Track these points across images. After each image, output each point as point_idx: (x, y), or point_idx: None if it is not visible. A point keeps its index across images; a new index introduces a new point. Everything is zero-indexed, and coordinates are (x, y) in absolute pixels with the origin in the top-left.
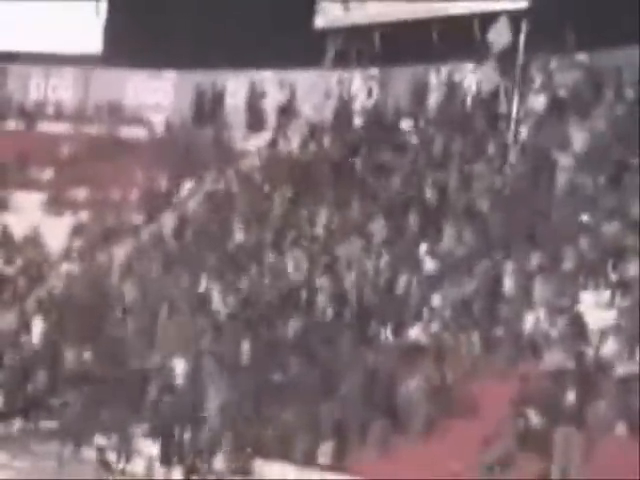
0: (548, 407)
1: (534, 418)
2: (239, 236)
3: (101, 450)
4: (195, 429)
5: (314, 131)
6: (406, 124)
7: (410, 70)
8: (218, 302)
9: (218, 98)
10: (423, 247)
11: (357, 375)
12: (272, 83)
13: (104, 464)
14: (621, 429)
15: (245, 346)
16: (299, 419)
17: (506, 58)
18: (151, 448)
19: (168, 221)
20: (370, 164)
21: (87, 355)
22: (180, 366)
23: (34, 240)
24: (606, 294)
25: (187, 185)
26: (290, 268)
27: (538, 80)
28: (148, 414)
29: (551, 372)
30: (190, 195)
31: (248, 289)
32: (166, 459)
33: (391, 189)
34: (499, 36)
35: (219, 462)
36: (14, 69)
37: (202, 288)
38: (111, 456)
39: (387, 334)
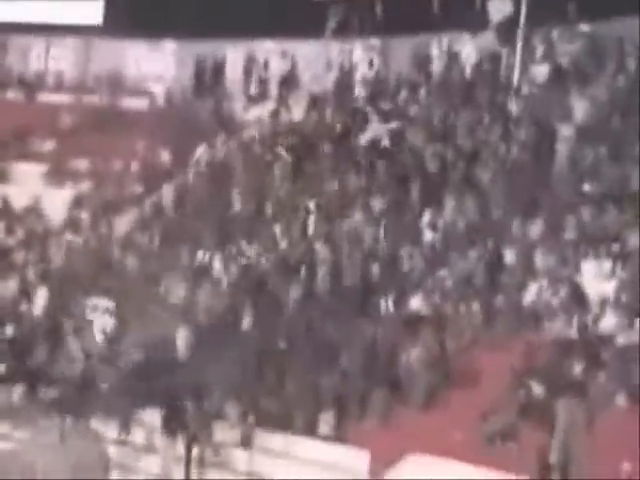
0: (550, 378)
1: (536, 389)
2: (238, 206)
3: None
4: (197, 399)
5: (315, 102)
6: (408, 94)
7: (411, 40)
8: (219, 271)
9: (219, 69)
10: (425, 218)
11: (358, 345)
12: (273, 54)
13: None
14: (621, 400)
15: (246, 315)
16: (300, 389)
17: (507, 28)
18: (152, 418)
19: (168, 192)
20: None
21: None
22: (182, 336)
23: (35, 211)
24: (607, 265)
25: (188, 156)
26: (290, 238)
27: (540, 50)
28: (149, 385)
29: (553, 342)
30: (191, 166)
31: (248, 259)
32: (168, 429)
33: (392, 160)
34: (500, 7)
35: (220, 432)
36: (14, 40)
37: (203, 258)
38: (112, 427)
39: (388, 305)
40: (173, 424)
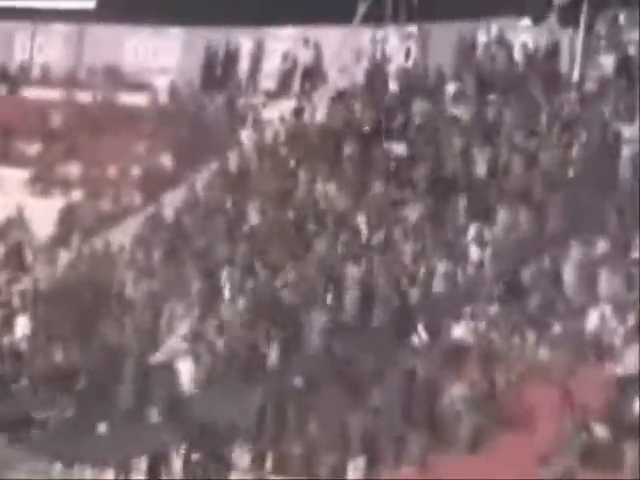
0: (615, 418)
1: (599, 431)
2: (256, 219)
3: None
4: (206, 442)
5: (344, 97)
6: (451, 89)
7: (454, 27)
8: (231, 295)
9: (231, 59)
10: (470, 233)
11: (391, 381)
12: (294, 42)
13: None
14: None
15: (263, 346)
16: (325, 430)
17: (568, 13)
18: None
19: (174, 202)
20: (409, 136)
21: (79, 356)
22: (186, 368)
23: (18, 224)
24: None
25: (195, 160)
26: (315, 255)
27: (604, 38)
28: (153, 425)
29: (618, 378)
30: (199, 171)
31: (266, 280)
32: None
33: (433, 165)
34: None
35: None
36: None
37: (213, 279)
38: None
39: (425, 333)
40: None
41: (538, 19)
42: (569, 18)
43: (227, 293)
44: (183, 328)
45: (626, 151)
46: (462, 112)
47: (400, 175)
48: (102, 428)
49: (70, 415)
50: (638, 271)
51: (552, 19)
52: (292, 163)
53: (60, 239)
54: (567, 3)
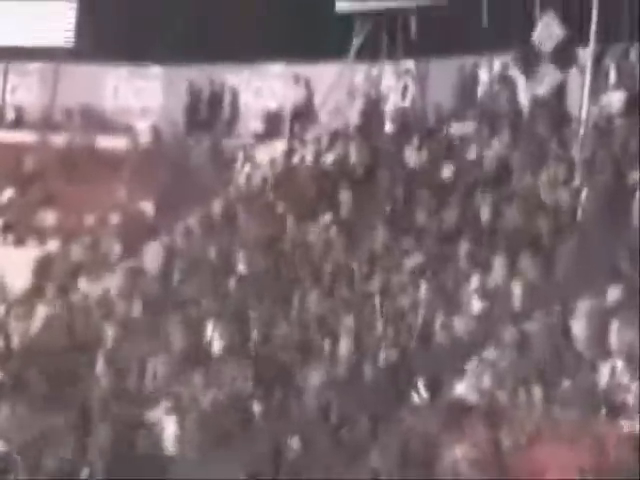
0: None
1: None
2: (243, 269)
3: None
4: None
5: (336, 139)
6: (452, 130)
7: (454, 62)
8: (218, 349)
9: (217, 99)
10: (473, 283)
11: (389, 441)
12: (284, 79)
13: None
14: None
15: (253, 404)
16: None
17: (563, 54)
18: None
19: (155, 252)
20: (406, 179)
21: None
22: (171, 431)
23: None
24: None
25: (179, 207)
26: (308, 306)
27: (613, 73)
28: None
29: (632, 437)
30: (182, 218)
31: (255, 335)
32: None
33: (432, 210)
34: (547, 36)
35: None
36: None
37: (198, 333)
38: None
39: (424, 390)
40: None
41: (527, 72)
42: (567, 58)
43: (214, 348)
44: (168, 385)
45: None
46: (461, 152)
47: (399, 221)
48: None
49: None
50: None
51: (545, 67)
52: (281, 208)
53: (35, 292)
54: (558, 46)
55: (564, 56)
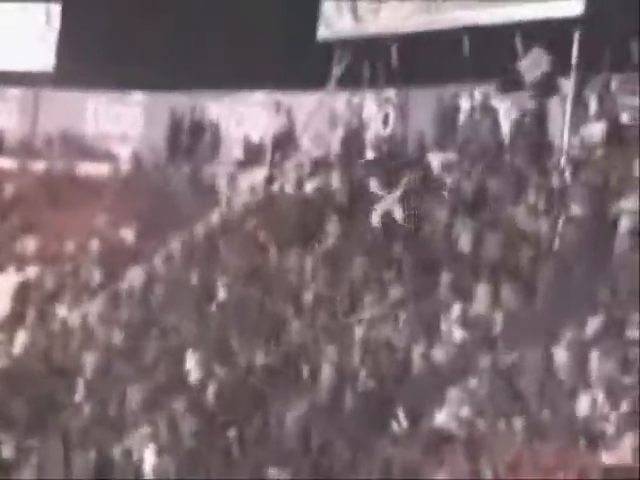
0: None
1: None
2: (223, 296)
3: None
4: None
5: (317, 167)
6: (433, 159)
7: (435, 92)
8: (198, 378)
9: (198, 126)
10: (453, 312)
11: (369, 471)
12: (265, 107)
13: None
14: None
15: (232, 435)
16: None
17: (545, 84)
18: None
19: (136, 279)
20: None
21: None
22: (150, 459)
23: None
24: None
25: (160, 235)
26: (289, 335)
27: (594, 104)
28: None
29: (612, 469)
30: (163, 246)
31: (236, 362)
32: None
33: (412, 240)
34: (533, 67)
35: None
36: None
37: (178, 360)
38: None
39: (404, 420)
40: None
41: (510, 93)
42: (549, 87)
43: (194, 376)
44: (147, 413)
45: (624, 223)
46: (445, 183)
47: (381, 251)
48: None
49: None
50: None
51: (525, 94)
52: (262, 237)
53: (15, 318)
54: (542, 77)
55: (546, 85)
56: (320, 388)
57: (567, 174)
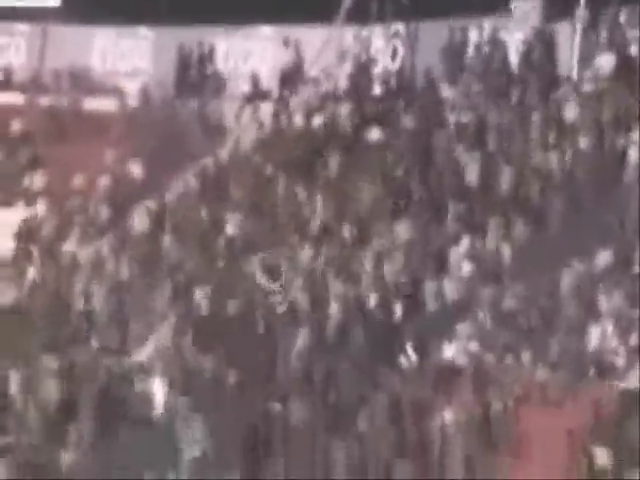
0: (618, 443)
1: (601, 457)
2: (233, 231)
3: None
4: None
5: (325, 101)
6: (442, 93)
7: (444, 25)
8: (207, 311)
9: (206, 61)
10: (462, 246)
11: (377, 405)
12: (273, 42)
13: None
14: None
15: (235, 369)
16: (305, 459)
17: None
18: None
19: (144, 213)
20: (394, 142)
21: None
22: (160, 392)
23: None
24: None
25: (168, 169)
26: (296, 269)
27: (603, 36)
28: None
29: (622, 399)
30: (171, 181)
31: (243, 294)
32: None
33: (421, 173)
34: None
35: None
36: None
37: (186, 294)
38: None
39: (414, 354)
40: None
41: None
42: (560, 11)
43: (202, 309)
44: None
45: (632, 155)
46: (453, 117)
47: (388, 184)
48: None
49: (33, 441)
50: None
51: (534, 13)
52: (270, 170)
53: (23, 253)
54: None
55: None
56: (328, 322)
57: (576, 107)
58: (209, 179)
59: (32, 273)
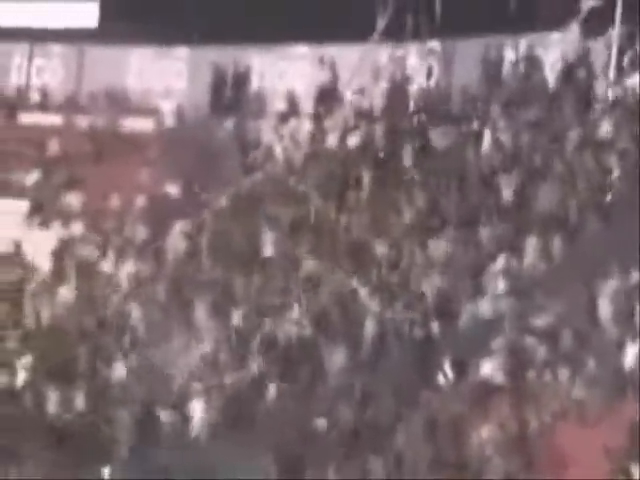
0: None
1: (638, 474)
2: (269, 250)
3: None
4: None
5: (361, 120)
6: (475, 109)
7: (480, 43)
8: (243, 331)
9: (241, 80)
10: (498, 264)
11: (415, 423)
12: (308, 60)
13: None
14: None
15: (276, 386)
16: (343, 476)
17: (595, 22)
18: None
19: (180, 234)
20: (430, 160)
21: (78, 400)
22: (198, 411)
23: (15, 258)
24: None
25: (204, 189)
26: (331, 286)
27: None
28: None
29: None
30: (207, 200)
31: (280, 314)
32: None
33: (458, 192)
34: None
35: None
36: None
37: (224, 314)
38: None
39: (451, 371)
40: None
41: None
42: (597, 28)
43: (239, 329)
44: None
45: None
46: (489, 135)
47: (423, 203)
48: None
49: (70, 460)
50: None
51: (576, 28)
52: (304, 189)
53: (60, 274)
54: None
55: (594, 25)
56: (364, 340)
57: (611, 124)
58: (244, 198)
59: (69, 292)
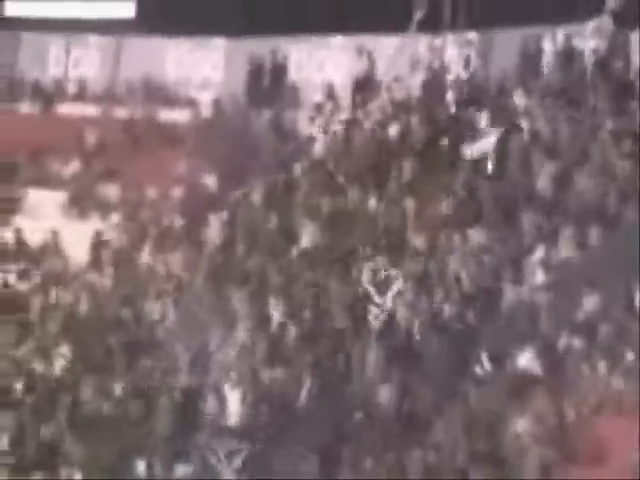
0: None
1: None
2: (306, 241)
3: None
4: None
5: (398, 110)
6: (516, 100)
7: (518, 33)
8: (281, 324)
9: (279, 71)
10: (536, 255)
11: (453, 414)
12: (346, 51)
13: None
14: None
15: (312, 378)
16: (382, 468)
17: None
18: None
19: (217, 224)
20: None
21: (116, 390)
22: (234, 401)
23: (54, 249)
24: None
25: (241, 180)
26: (367, 278)
27: None
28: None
29: None
30: (245, 191)
31: (317, 307)
32: None
33: (495, 181)
34: None
35: None
36: (27, 39)
37: (260, 306)
38: None
39: (489, 362)
40: None
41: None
42: (633, 19)
43: (276, 320)
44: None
45: None
46: (526, 125)
47: (461, 193)
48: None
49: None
50: None
51: (606, 18)
52: (343, 179)
53: (98, 264)
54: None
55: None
56: (400, 330)
57: None
58: (282, 188)
59: (107, 284)
